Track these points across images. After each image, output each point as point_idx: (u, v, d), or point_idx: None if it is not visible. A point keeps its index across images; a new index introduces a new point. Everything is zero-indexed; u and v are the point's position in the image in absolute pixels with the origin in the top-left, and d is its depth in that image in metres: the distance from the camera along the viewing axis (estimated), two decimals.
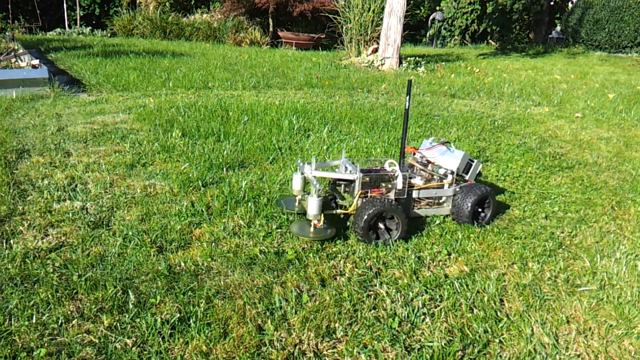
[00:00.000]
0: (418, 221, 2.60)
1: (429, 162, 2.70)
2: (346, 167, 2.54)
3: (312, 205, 2.30)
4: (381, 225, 2.34)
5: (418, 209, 2.63)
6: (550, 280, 2.14)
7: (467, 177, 2.67)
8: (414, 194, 2.56)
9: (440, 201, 2.67)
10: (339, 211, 2.45)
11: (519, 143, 4.23)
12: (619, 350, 1.73)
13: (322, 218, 2.33)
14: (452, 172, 2.61)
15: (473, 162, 2.65)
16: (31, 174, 3.01)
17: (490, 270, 2.18)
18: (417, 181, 2.65)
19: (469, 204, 2.52)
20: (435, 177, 2.66)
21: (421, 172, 2.69)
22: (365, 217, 2.26)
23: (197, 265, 2.09)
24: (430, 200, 2.65)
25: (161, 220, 2.47)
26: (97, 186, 2.86)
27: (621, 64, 10.84)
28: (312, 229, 2.33)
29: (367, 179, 2.43)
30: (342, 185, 2.50)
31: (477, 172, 2.69)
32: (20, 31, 13.34)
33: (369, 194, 2.43)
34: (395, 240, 2.34)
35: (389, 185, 2.47)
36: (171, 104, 5.05)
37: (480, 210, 2.62)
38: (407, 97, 2.64)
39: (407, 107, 2.64)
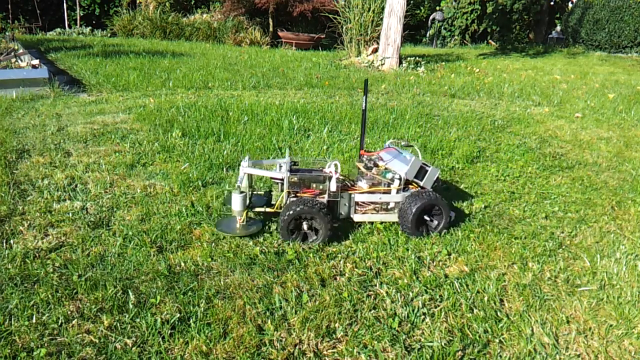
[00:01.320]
0: None
1: (376, 165, 2.59)
2: (280, 166, 2.49)
3: (234, 201, 2.35)
4: (305, 227, 2.31)
5: (363, 213, 2.51)
6: (550, 280, 2.14)
7: (421, 184, 2.53)
8: (357, 198, 2.46)
9: (389, 207, 2.52)
10: (267, 209, 2.48)
11: (519, 143, 4.23)
12: (619, 350, 1.73)
13: (244, 215, 2.36)
14: (400, 178, 2.48)
15: (428, 168, 2.50)
16: (31, 174, 3.01)
17: (490, 270, 2.18)
18: (363, 185, 2.54)
19: (412, 211, 2.35)
20: (383, 181, 2.53)
21: (368, 175, 2.56)
22: (285, 217, 2.26)
23: (197, 265, 2.09)
24: (377, 206, 2.52)
25: (161, 220, 2.47)
26: (97, 186, 2.86)
27: (621, 64, 10.84)
28: (238, 225, 2.36)
29: (295, 178, 2.42)
30: (280, 184, 2.48)
31: (434, 179, 2.52)
32: (20, 31, 13.34)
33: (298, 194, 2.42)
34: (321, 244, 2.29)
35: (321, 187, 2.43)
36: (171, 104, 5.05)
37: (429, 219, 2.45)
38: (364, 97, 2.61)
39: (363, 108, 2.60)
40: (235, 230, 2.34)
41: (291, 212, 2.25)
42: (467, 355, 1.66)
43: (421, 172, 2.50)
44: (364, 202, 2.51)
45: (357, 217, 2.50)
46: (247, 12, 14.33)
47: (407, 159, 2.50)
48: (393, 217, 2.50)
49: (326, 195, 2.41)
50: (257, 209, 2.50)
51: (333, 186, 2.40)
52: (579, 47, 13.64)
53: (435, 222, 2.46)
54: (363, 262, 2.18)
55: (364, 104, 2.60)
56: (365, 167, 2.59)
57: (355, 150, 3.73)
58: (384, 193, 2.49)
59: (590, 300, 2.00)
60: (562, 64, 10.77)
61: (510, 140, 4.31)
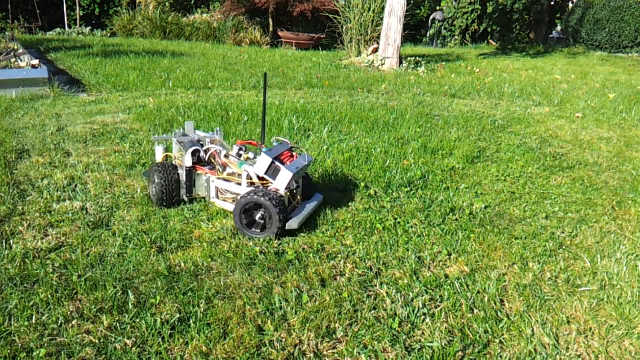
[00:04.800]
0: (417, 221, 2.59)
1: (239, 155, 2.58)
2: (194, 135, 2.82)
3: (156, 152, 2.83)
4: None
5: (223, 200, 2.58)
6: (550, 280, 2.13)
7: (273, 183, 2.39)
8: (216, 183, 2.60)
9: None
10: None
11: (519, 143, 4.23)
12: (619, 351, 1.72)
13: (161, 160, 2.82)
14: (247, 173, 2.46)
15: (280, 168, 2.35)
16: (31, 174, 3.01)
17: (490, 270, 2.17)
18: (226, 172, 2.60)
19: (238, 207, 2.32)
20: (237, 172, 2.55)
21: (229, 164, 2.59)
22: (148, 169, 2.73)
23: (197, 265, 2.09)
24: (234, 196, 2.54)
25: (161, 221, 2.46)
26: (97, 186, 2.86)
27: (621, 64, 10.83)
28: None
29: (179, 145, 2.75)
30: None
31: (287, 181, 2.34)
32: (20, 31, 13.33)
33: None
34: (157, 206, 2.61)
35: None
36: (171, 104, 5.05)
37: (260, 219, 2.35)
38: (264, 91, 2.63)
39: (263, 102, 2.62)
40: None
41: (149, 167, 2.70)
42: (467, 356, 1.66)
43: (272, 171, 2.39)
44: (220, 189, 2.60)
45: (217, 202, 2.61)
46: (247, 11, 14.33)
47: (260, 155, 2.44)
48: None
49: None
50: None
51: (186, 161, 2.58)
52: (580, 46, 13.64)
53: (265, 222, 2.34)
54: (363, 262, 2.18)
55: (264, 98, 2.63)
56: (225, 155, 2.60)
57: (355, 150, 3.73)
58: (236, 184, 2.53)
59: (591, 300, 1.99)
60: (563, 63, 10.76)
61: (510, 140, 4.31)
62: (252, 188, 2.41)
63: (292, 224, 2.33)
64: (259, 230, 2.35)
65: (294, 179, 2.39)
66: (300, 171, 2.44)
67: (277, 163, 2.37)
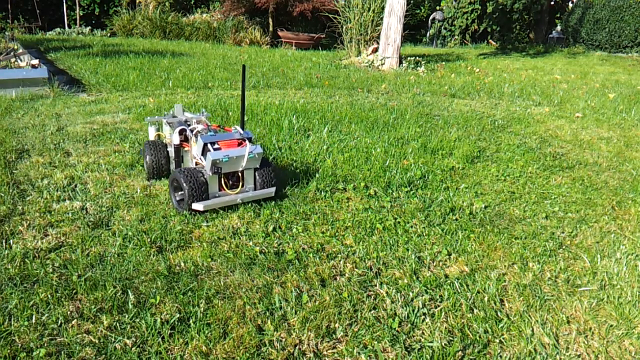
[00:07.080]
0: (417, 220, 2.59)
1: (195, 137, 2.70)
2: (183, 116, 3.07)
3: (149, 131, 3.13)
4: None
5: None
6: (550, 280, 2.13)
7: (204, 164, 2.57)
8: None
9: None
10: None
11: (519, 143, 4.23)
12: (619, 351, 1.72)
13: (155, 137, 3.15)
14: (191, 154, 2.74)
15: (209, 152, 2.51)
16: (31, 174, 3.01)
17: (490, 270, 2.17)
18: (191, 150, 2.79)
19: (169, 181, 2.63)
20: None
21: (191, 144, 2.79)
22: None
23: (196, 265, 2.09)
24: None
25: (161, 221, 2.46)
26: (97, 186, 2.86)
27: (622, 64, 10.83)
28: None
29: (168, 124, 3.00)
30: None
31: (209, 165, 2.49)
32: (19, 31, 13.34)
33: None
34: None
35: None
36: (171, 104, 5.05)
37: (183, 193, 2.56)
38: (242, 82, 2.72)
39: (242, 92, 2.72)
40: None
41: (143, 145, 3.01)
42: (467, 356, 1.66)
43: (205, 153, 2.58)
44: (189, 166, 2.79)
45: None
46: (247, 11, 14.33)
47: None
48: None
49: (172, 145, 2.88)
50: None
51: (174, 139, 2.81)
52: (580, 46, 13.64)
53: (183, 198, 2.54)
54: (363, 262, 2.18)
55: (242, 89, 2.73)
56: (195, 135, 2.76)
57: (355, 150, 3.73)
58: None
59: (591, 300, 1.99)
60: (563, 63, 10.76)
61: (510, 140, 4.31)
62: (192, 167, 2.67)
63: (197, 205, 2.47)
64: (182, 200, 2.56)
65: (221, 165, 2.51)
66: (236, 160, 2.53)
67: (209, 147, 2.54)
